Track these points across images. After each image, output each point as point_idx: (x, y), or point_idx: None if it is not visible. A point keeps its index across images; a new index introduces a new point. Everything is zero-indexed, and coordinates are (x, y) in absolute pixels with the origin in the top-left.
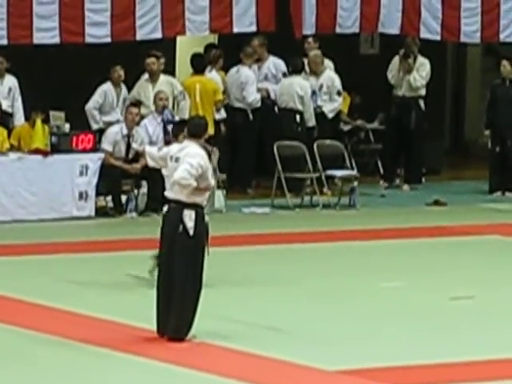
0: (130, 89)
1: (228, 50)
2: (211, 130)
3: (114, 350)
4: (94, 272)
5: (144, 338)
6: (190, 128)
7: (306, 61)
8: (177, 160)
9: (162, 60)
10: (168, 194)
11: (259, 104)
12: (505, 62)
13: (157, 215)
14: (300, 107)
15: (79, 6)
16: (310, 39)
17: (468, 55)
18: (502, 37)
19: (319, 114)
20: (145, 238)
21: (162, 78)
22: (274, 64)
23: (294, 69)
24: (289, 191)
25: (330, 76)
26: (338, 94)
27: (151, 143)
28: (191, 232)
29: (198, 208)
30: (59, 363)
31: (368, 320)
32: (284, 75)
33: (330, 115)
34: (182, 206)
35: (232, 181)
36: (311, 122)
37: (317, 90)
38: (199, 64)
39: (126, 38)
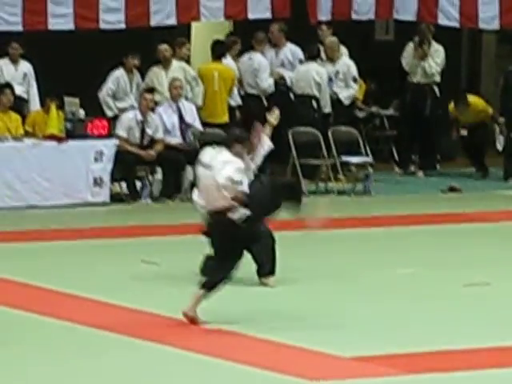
0: (144, 75)
1: (243, 36)
2: (225, 118)
3: (127, 336)
4: (108, 258)
5: (157, 323)
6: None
7: (321, 47)
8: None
9: (188, 46)
10: None
11: (273, 89)
12: None
13: (171, 201)
14: (317, 93)
15: None
16: (324, 26)
17: (483, 42)
18: None
19: (335, 101)
20: (159, 225)
21: (175, 63)
22: (291, 51)
23: (310, 55)
24: (303, 177)
25: (346, 63)
26: (354, 80)
27: (166, 131)
28: None
29: None
30: (72, 349)
31: (383, 307)
32: (300, 62)
33: (346, 102)
34: None
35: None
36: (327, 108)
37: (333, 77)
38: (219, 50)
39: (140, 24)
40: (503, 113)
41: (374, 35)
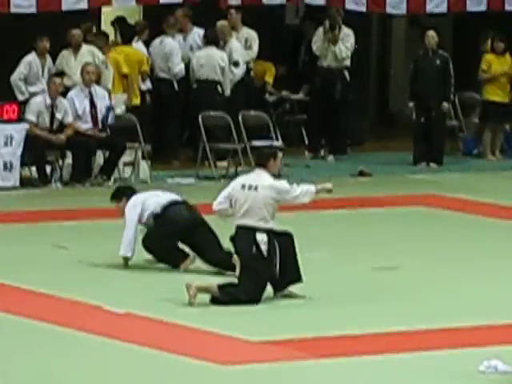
0: (54, 59)
1: (150, 21)
2: (137, 101)
3: (39, 321)
4: (18, 243)
5: (69, 308)
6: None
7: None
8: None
9: (94, 31)
10: None
11: (183, 73)
12: (432, 33)
13: (81, 186)
14: (221, 78)
15: None
16: (232, 10)
17: (393, 26)
18: (429, 8)
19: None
20: (69, 209)
21: (84, 47)
22: (200, 35)
23: (209, 40)
24: (214, 162)
25: (234, 46)
26: (235, 64)
27: (77, 117)
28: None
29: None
30: None
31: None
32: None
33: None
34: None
35: (157, 152)
36: (227, 92)
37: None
38: (128, 33)
39: (51, 8)
40: (413, 98)
41: (284, 19)
